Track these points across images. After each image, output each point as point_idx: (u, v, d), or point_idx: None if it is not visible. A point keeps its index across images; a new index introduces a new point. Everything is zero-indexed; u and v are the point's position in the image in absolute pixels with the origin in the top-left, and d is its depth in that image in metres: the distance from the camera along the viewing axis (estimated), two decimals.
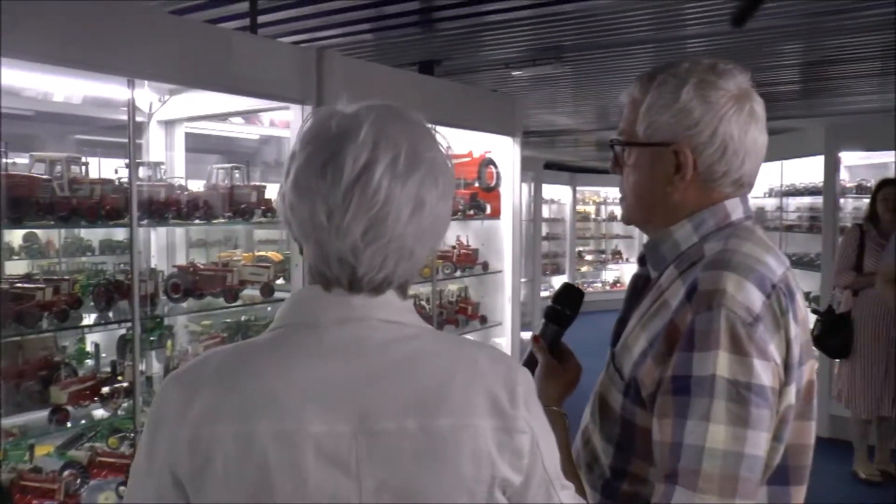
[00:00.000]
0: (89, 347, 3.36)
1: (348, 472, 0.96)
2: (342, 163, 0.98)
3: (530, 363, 1.54)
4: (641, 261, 1.47)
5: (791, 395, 1.22)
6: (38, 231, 3.62)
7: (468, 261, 4.90)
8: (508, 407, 1.01)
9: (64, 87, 3.42)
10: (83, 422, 2.99)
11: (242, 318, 3.85)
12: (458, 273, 4.83)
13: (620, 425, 1.34)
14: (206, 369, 1.02)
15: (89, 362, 3.31)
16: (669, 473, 1.16)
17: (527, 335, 7.14)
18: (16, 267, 3.56)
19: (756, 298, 1.19)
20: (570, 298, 1.58)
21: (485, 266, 5.01)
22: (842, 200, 6.42)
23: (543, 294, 11.03)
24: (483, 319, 5.01)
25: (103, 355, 3.29)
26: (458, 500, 0.98)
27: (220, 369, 1.02)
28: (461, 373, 1.02)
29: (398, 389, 0.99)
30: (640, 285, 1.46)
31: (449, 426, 0.98)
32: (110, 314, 3.14)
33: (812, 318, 5.27)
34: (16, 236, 3.62)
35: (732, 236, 1.30)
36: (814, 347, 1.32)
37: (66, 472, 2.85)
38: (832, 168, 6.17)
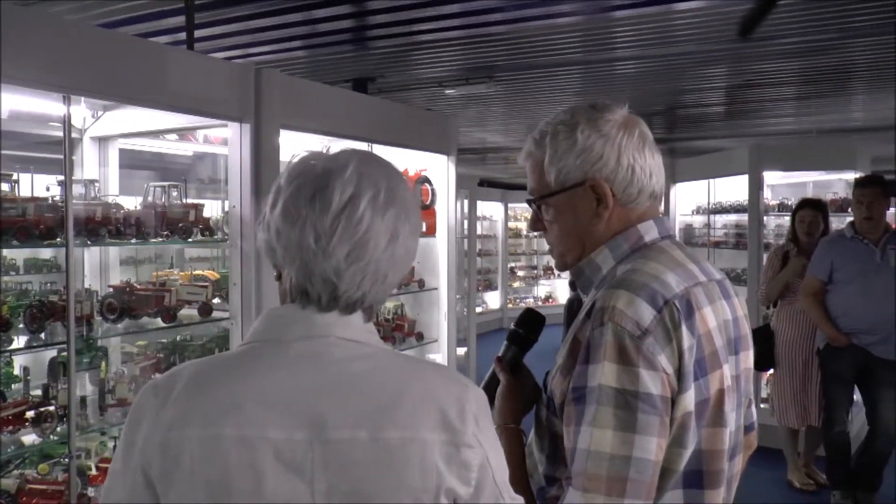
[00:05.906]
0: (17, 371, 3.24)
1: (303, 476, 1.05)
2: (330, 194, 1.12)
3: (492, 383, 1.61)
4: (573, 285, 1.55)
5: (688, 402, 1.28)
6: None
7: (404, 278, 4.89)
8: (457, 423, 1.10)
9: None
10: (11, 448, 2.88)
11: (178, 339, 3.76)
12: (395, 290, 4.82)
13: (548, 436, 1.43)
14: (180, 378, 1.12)
15: (16, 386, 3.19)
16: (568, 476, 1.26)
17: (462, 351, 7.08)
18: None
19: (646, 313, 1.27)
20: (530, 323, 1.67)
21: (421, 283, 5.01)
22: (765, 218, 6.66)
23: (478, 310, 11.08)
24: (420, 336, 5.00)
25: (30, 378, 3.15)
26: None
27: (193, 378, 1.12)
28: (413, 389, 1.11)
29: (352, 402, 1.08)
30: (575, 308, 1.55)
31: (398, 438, 1.06)
32: (42, 336, 3.03)
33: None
34: None
35: (641, 256, 1.39)
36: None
37: None
38: (756, 187, 6.39)
